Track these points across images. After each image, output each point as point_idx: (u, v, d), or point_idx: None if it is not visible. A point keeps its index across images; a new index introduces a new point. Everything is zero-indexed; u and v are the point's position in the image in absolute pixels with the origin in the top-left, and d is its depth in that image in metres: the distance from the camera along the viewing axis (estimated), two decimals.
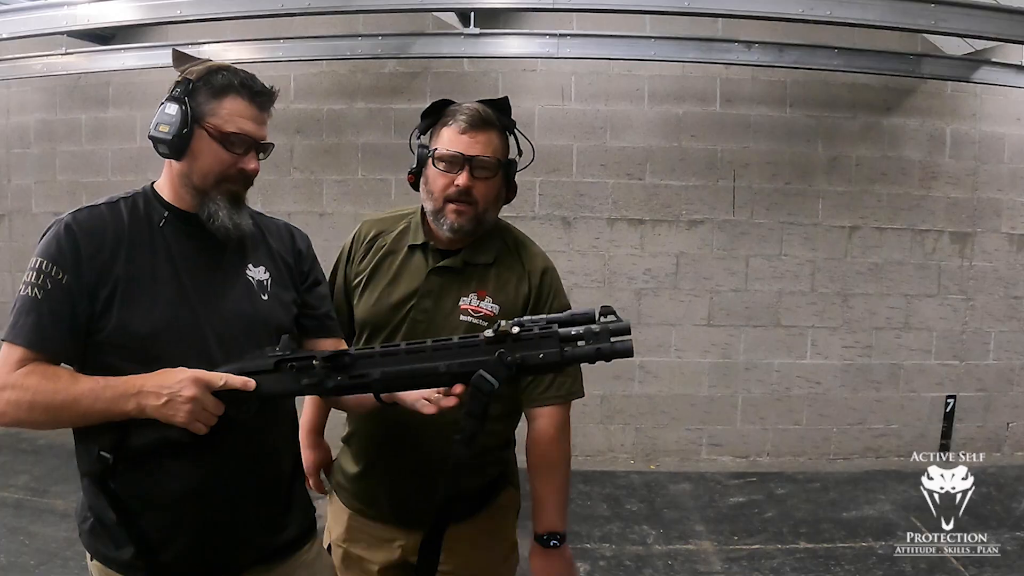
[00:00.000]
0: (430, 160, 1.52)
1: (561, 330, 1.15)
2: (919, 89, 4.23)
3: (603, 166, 4.28)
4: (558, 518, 1.55)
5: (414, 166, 1.56)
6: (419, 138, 1.58)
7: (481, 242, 1.57)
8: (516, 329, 1.15)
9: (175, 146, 1.24)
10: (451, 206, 1.49)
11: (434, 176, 1.51)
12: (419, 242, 1.57)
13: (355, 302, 1.61)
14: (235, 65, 1.30)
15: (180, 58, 1.30)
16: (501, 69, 4.24)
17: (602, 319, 1.16)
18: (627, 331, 1.15)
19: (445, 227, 1.51)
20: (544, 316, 1.18)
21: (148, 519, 1.24)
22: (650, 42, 3.85)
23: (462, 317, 1.52)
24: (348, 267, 1.64)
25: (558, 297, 1.60)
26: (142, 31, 4.30)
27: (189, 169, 1.26)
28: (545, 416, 1.57)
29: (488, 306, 1.53)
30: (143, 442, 1.18)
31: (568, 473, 1.60)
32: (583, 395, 1.60)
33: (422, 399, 1.26)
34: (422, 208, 1.59)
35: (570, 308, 1.58)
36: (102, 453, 1.18)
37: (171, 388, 1.13)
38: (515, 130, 1.58)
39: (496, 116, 1.53)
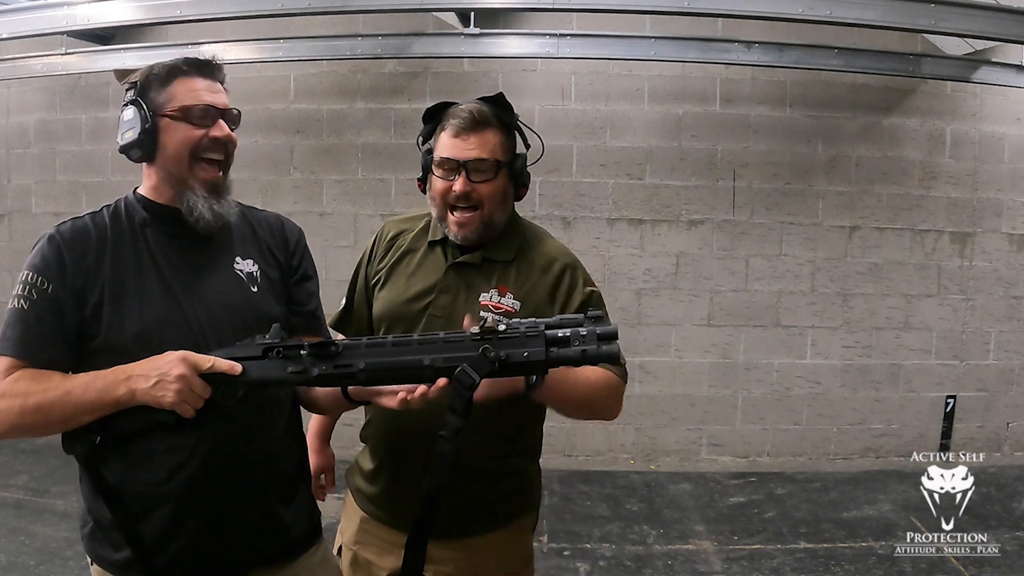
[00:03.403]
0: (432, 166, 1.50)
1: (548, 332, 1.15)
2: (919, 89, 4.23)
3: (603, 166, 4.28)
4: (554, 390, 1.31)
5: (420, 174, 1.55)
6: (424, 143, 1.55)
7: (501, 238, 1.54)
8: (502, 326, 1.14)
9: (145, 145, 1.26)
10: (453, 217, 1.47)
11: (435, 182, 1.50)
12: (438, 238, 1.55)
13: (374, 300, 1.59)
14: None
15: (123, 74, 1.34)
16: (501, 69, 4.24)
17: (590, 323, 1.15)
18: (614, 336, 1.14)
19: (450, 236, 1.50)
20: (533, 319, 1.17)
21: (147, 519, 1.24)
22: (650, 42, 3.85)
23: (482, 313, 1.45)
24: (369, 266, 1.63)
25: (587, 284, 1.53)
26: (142, 31, 4.30)
27: (164, 163, 1.28)
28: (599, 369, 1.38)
29: (509, 302, 1.49)
30: (131, 424, 1.17)
31: (591, 394, 1.40)
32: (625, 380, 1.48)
33: (387, 393, 1.21)
34: None
35: (600, 294, 1.55)
36: (89, 434, 1.17)
37: (160, 369, 1.14)
38: (519, 124, 1.54)
39: (493, 113, 1.49)
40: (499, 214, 1.51)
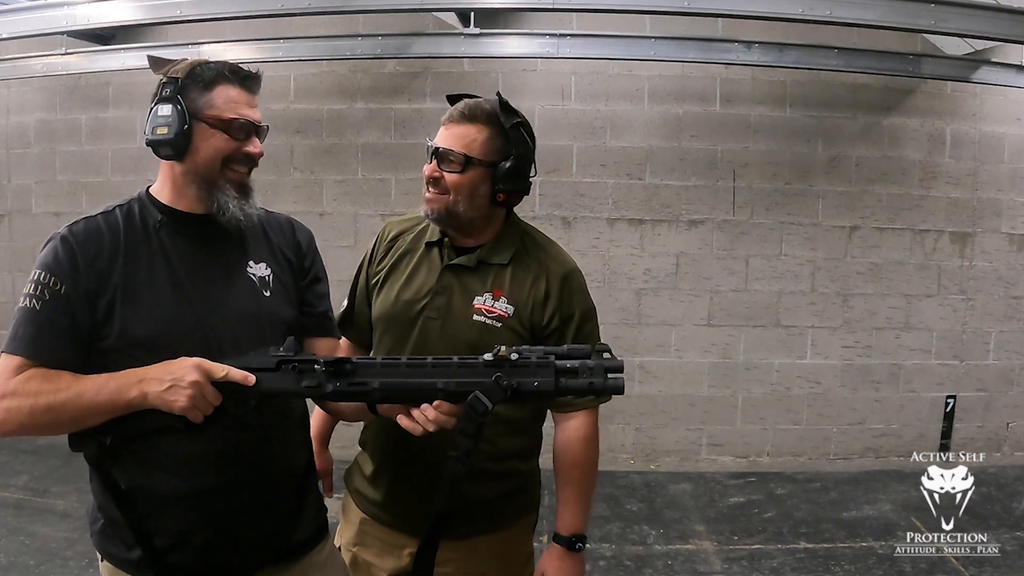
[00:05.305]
0: None
1: (558, 361, 1.18)
2: (919, 89, 4.23)
3: (603, 166, 4.28)
4: (583, 521, 1.57)
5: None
6: None
7: (498, 242, 1.55)
8: (515, 356, 1.17)
9: (177, 145, 1.24)
10: (426, 193, 1.51)
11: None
12: (435, 239, 1.56)
13: (373, 301, 1.60)
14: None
15: (158, 63, 1.30)
16: (501, 69, 4.24)
17: (598, 356, 1.19)
18: (620, 369, 1.18)
19: (422, 212, 1.53)
20: (543, 347, 1.21)
21: (159, 521, 1.24)
22: (650, 42, 3.85)
23: (475, 317, 1.50)
24: (370, 267, 1.64)
25: (582, 301, 1.58)
26: (142, 31, 4.30)
27: (193, 165, 1.27)
28: (575, 420, 1.57)
29: (503, 307, 1.51)
30: (140, 426, 1.18)
31: (596, 476, 1.61)
32: (610, 397, 1.55)
33: (402, 414, 1.23)
34: None
35: (595, 309, 1.61)
36: (99, 435, 1.18)
37: (174, 374, 1.14)
38: (520, 129, 1.52)
39: (486, 112, 1.49)
40: (465, 207, 1.49)
